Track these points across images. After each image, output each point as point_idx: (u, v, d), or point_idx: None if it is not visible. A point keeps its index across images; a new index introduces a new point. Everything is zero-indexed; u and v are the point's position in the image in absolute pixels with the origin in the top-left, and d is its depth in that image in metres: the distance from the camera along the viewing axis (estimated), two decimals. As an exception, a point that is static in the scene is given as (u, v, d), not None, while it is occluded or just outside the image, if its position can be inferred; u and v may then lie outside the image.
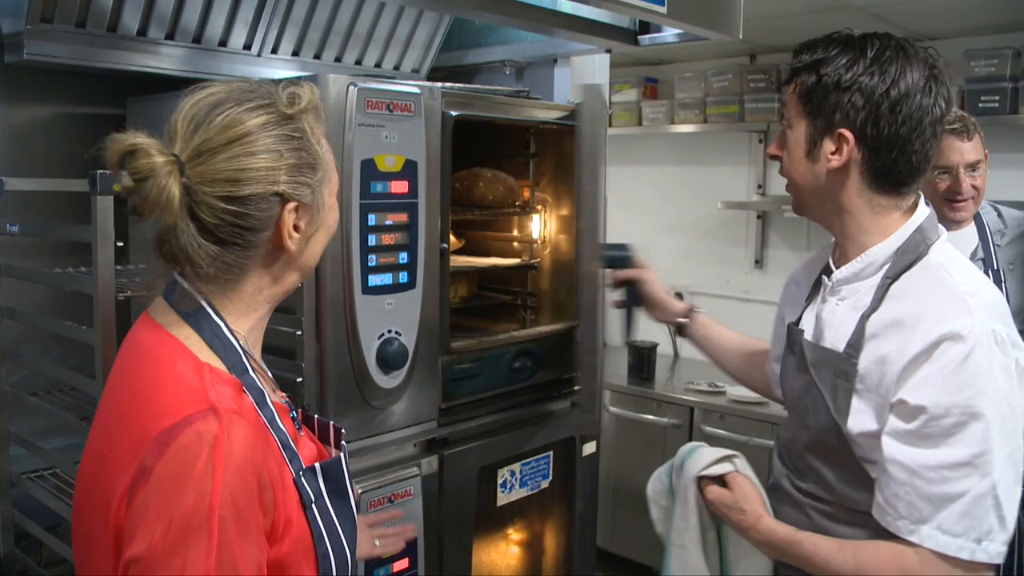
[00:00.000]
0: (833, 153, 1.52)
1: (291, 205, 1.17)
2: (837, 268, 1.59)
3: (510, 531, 2.82)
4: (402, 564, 2.17)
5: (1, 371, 2.15)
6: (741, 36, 2.42)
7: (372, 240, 2.09)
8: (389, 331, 2.15)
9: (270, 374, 1.33)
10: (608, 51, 2.83)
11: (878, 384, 1.44)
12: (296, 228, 1.19)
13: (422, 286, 2.22)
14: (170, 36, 2.40)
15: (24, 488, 2.16)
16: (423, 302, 2.23)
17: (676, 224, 4.58)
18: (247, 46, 2.54)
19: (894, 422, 1.40)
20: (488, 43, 3.04)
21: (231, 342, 1.17)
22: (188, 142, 1.13)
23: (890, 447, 1.40)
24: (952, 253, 1.53)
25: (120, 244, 1.71)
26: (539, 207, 2.87)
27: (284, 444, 1.17)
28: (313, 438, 1.36)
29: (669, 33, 2.60)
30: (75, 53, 2.27)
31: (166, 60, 2.44)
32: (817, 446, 1.55)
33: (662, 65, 5.10)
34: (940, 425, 1.35)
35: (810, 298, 1.70)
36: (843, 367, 1.48)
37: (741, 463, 1.73)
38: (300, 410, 1.36)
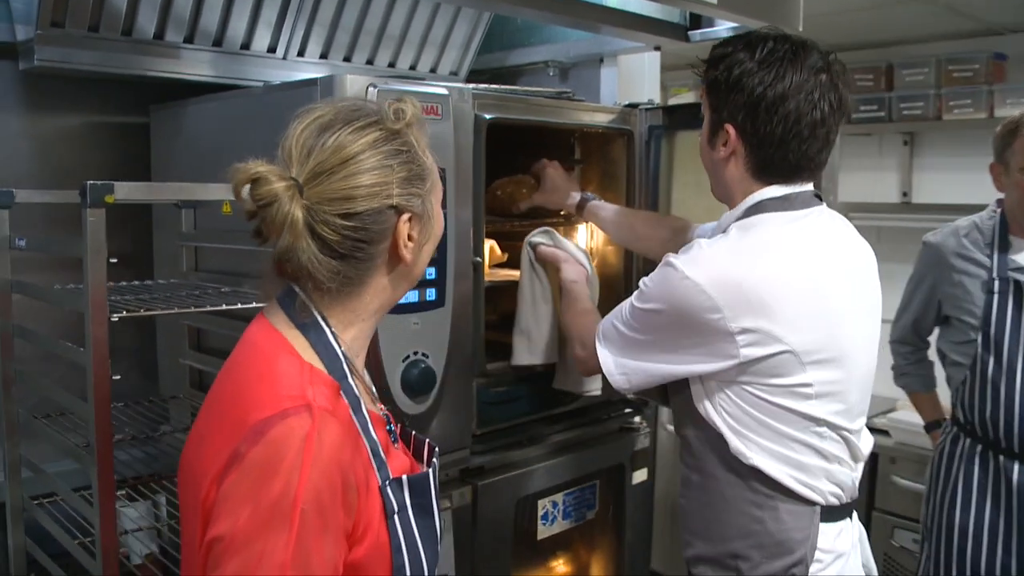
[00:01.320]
0: (723, 145, 1.67)
1: (405, 216, 1.22)
2: None
3: (552, 565, 2.63)
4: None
5: (10, 393, 2.04)
6: (801, 28, 2.20)
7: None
8: (415, 353, 1.99)
9: (371, 385, 1.37)
10: (657, 48, 2.64)
11: None
12: (410, 238, 1.24)
13: (452, 304, 2.05)
14: (189, 39, 2.28)
15: (32, 514, 2.05)
16: (453, 321, 2.06)
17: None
18: (271, 48, 2.42)
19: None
20: (530, 43, 2.88)
21: (334, 347, 1.21)
22: (304, 165, 1.18)
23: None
24: (717, 235, 1.70)
25: (114, 260, 1.56)
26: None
27: (374, 451, 1.19)
28: (407, 453, 1.37)
29: (722, 27, 2.40)
30: (90, 59, 2.18)
31: (187, 64, 2.32)
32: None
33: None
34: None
35: None
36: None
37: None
38: (399, 425, 1.39)
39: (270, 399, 1.11)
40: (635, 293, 1.71)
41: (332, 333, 1.22)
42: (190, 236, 2.31)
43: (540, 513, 2.37)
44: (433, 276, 2.00)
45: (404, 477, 1.22)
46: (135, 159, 2.50)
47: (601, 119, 2.51)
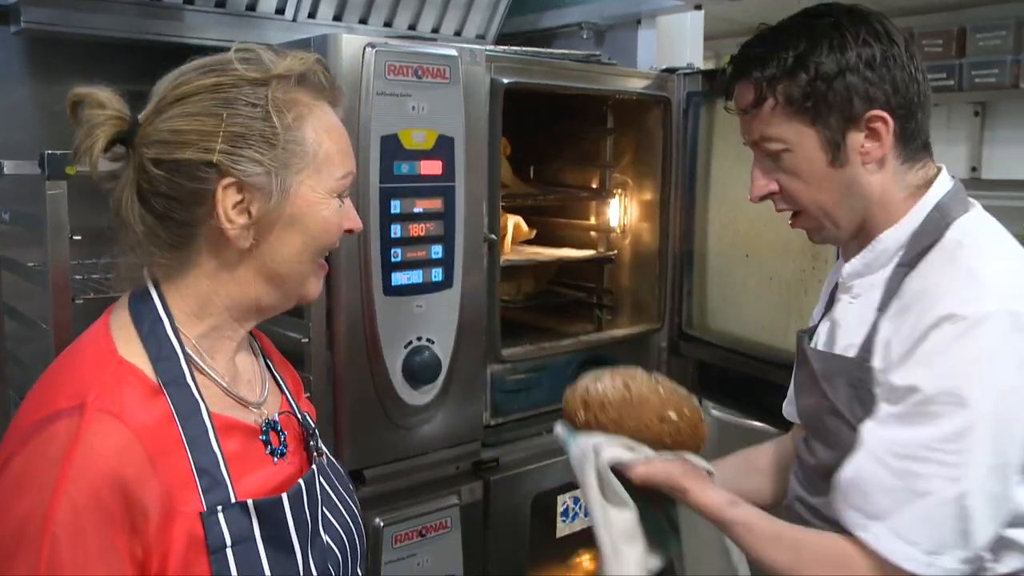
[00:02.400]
0: (867, 143, 1.28)
1: (226, 180, 1.02)
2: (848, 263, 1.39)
3: (574, 565, 2.46)
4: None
5: (3, 374, 1.95)
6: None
7: (396, 231, 1.77)
8: (419, 338, 1.84)
9: (261, 388, 1.18)
10: (698, 7, 2.43)
11: (881, 374, 1.25)
12: (237, 211, 1.03)
13: (461, 284, 1.89)
14: (191, 0, 2.14)
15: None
16: (463, 303, 1.90)
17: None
18: (279, 10, 2.26)
19: (880, 408, 1.24)
20: (563, 3, 2.68)
21: (170, 343, 1.04)
22: (150, 105, 1.06)
23: (865, 430, 1.23)
24: (979, 226, 1.30)
25: (77, 238, 1.43)
26: (617, 191, 2.50)
27: (203, 469, 1.00)
28: (306, 466, 1.18)
29: (769, -17, 2.17)
30: (84, 22, 2.05)
31: (190, 28, 2.18)
32: None
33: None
34: (921, 410, 1.17)
35: (827, 305, 1.48)
36: (857, 374, 1.28)
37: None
38: (305, 434, 1.21)
39: (50, 398, 0.98)
40: (893, 416, 1.21)
41: (172, 327, 1.05)
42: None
43: (560, 510, 2.21)
44: (440, 255, 1.85)
45: (249, 502, 1.01)
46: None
47: (634, 85, 2.32)
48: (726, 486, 1.41)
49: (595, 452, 1.35)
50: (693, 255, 2.42)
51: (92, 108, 1.03)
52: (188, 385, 1.03)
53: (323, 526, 1.14)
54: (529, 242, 2.58)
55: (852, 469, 1.22)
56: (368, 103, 1.71)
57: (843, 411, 1.29)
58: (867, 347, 1.27)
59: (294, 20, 2.30)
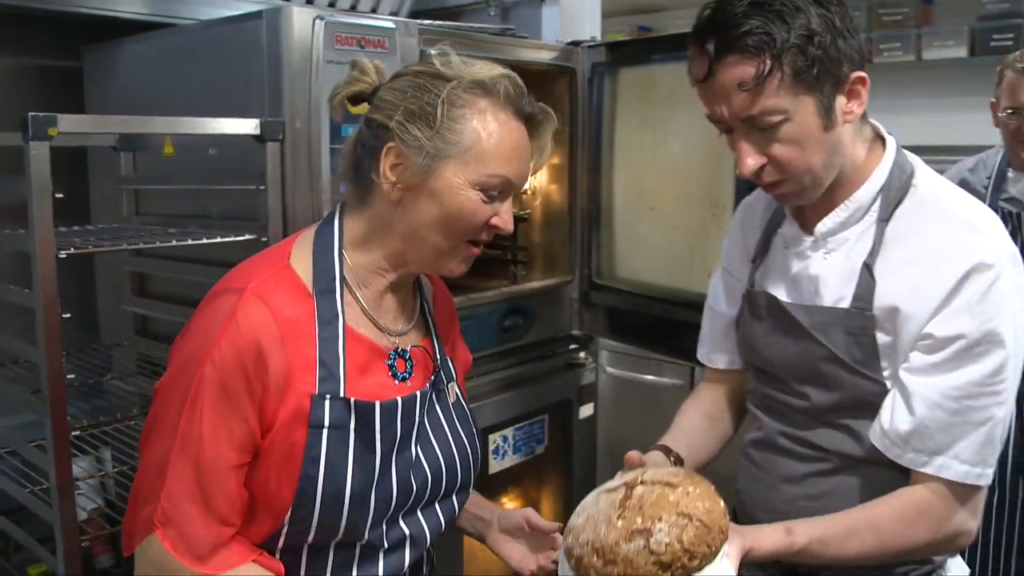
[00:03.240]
0: (849, 104, 1.34)
1: (391, 144, 1.24)
2: (810, 221, 1.46)
3: (504, 500, 2.67)
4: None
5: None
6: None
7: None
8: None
9: (403, 319, 1.39)
10: (599, -15, 2.64)
11: (904, 323, 1.36)
12: (392, 170, 1.25)
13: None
14: (121, -26, 2.21)
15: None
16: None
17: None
18: (209, -14, 2.35)
19: (916, 357, 1.35)
20: (471, -19, 2.85)
21: (333, 261, 1.29)
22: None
23: (912, 382, 1.35)
24: (933, 178, 1.43)
25: (59, 196, 1.52)
26: (528, 155, 2.69)
27: (324, 362, 1.23)
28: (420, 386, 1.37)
29: (663, -37, 2.41)
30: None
31: (118, 3, 2.24)
32: (852, 404, 1.42)
33: (656, 13, 4.91)
34: (967, 355, 1.31)
35: (762, 257, 1.57)
36: (857, 322, 1.39)
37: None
38: (435, 369, 1.40)
39: (230, 279, 1.27)
40: (939, 366, 1.32)
41: (340, 251, 1.30)
42: (131, 179, 2.25)
43: (491, 448, 2.39)
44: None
45: (352, 400, 1.23)
46: (67, 104, 2.41)
47: (544, 56, 2.51)
48: (694, 449, 1.58)
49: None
50: (600, 211, 2.62)
51: (354, 69, 1.32)
52: (335, 298, 1.27)
53: (419, 443, 1.34)
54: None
55: (908, 420, 1.33)
56: (318, 71, 1.84)
57: (842, 356, 1.39)
58: (864, 297, 1.37)
59: (223, -5, 2.39)
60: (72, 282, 2.43)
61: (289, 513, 1.23)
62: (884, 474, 1.39)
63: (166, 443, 1.19)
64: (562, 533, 1.31)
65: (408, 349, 1.37)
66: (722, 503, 1.25)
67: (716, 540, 1.19)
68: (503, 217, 1.30)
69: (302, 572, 1.30)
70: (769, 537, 1.32)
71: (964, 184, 2.63)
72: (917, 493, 1.35)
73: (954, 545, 1.40)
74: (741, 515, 1.62)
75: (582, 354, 2.70)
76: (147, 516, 1.19)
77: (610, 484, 1.29)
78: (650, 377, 3.98)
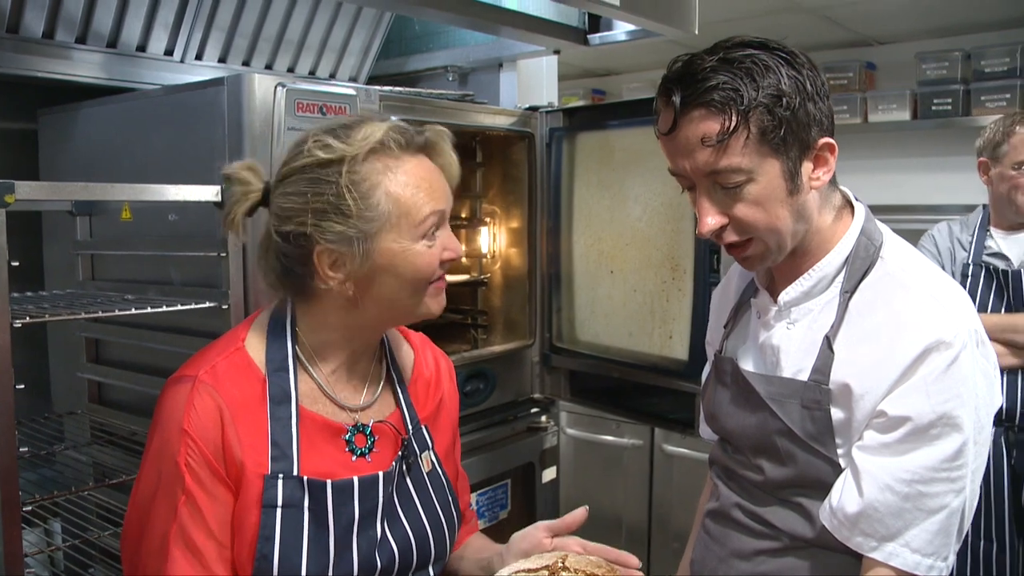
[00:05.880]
0: (816, 170, 1.30)
1: (319, 248, 1.22)
2: (778, 290, 1.42)
3: (467, 566, 2.63)
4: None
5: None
6: (697, 31, 2.29)
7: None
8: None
9: (362, 396, 1.37)
10: (556, 52, 2.69)
11: (858, 400, 1.31)
12: (334, 269, 1.23)
13: (363, 304, 2.03)
14: (81, 40, 2.20)
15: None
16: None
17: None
18: (168, 51, 2.36)
19: (869, 436, 1.30)
20: (429, 48, 2.89)
21: (286, 344, 1.28)
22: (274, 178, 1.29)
23: (863, 461, 1.29)
24: (905, 250, 1.39)
25: (15, 264, 1.50)
26: (487, 219, 2.71)
27: (276, 443, 1.24)
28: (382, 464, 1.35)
29: (620, 31, 2.48)
30: (-30, 58, 2.07)
31: (78, 66, 2.24)
32: (804, 482, 1.38)
33: (609, 77, 5.00)
34: (920, 436, 1.25)
35: (733, 322, 1.54)
36: (813, 396, 1.34)
37: None
38: (402, 445, 1.36)
39: (188, 365, 1.28)
40: (891, 447, 1.28)
41: (292, 332, 1.29)
42: (87, 244, 2.21)
43: (459, 514, 2.36)
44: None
45: (304, 478, 1.23)
46: (21, 166, 2.39)
47: (503, 122, 2.54)
48: None
49: None
50: (560, 275, 2.64)
51: (234, 184, 1.28)
52: (287, 377, 1.27)
53: (386, 520, 1.31)
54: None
55: (856, 502, 1.28)
56: (280, 137, 1.84)
57: (796, 430, 1.34)
58: (822, 370, 1.33)
59: (182, 61, 2.39)
60: (24, 349, 2.38)
61: None
62: (836, 560, 1.35)
63: (161, 531, 1.21)
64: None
65: (369, 424, 1.35)
66: None
67: None
68: (451, 247, 1.31)
69: None
70: None
71: (952, 234, 2.74)
72: None
73: None
74: None
75: (543, 417, 2.69)
76: None
77: (528, 564, 1.27)
78: (610, 438, 3.99)
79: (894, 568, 1.26)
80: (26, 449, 1.53)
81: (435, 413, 1.47)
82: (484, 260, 2.74)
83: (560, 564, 1.23)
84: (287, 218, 1.23)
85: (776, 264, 1.37)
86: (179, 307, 1.76)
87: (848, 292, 1.35)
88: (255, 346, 1.29)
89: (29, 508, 1.73)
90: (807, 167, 1.29)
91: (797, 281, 1.39)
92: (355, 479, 1.28)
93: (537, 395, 2.70)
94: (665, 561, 4.04)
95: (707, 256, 2.29)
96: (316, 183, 1.22)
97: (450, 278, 2.68)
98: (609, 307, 2.55)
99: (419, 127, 1.30)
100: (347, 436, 1.32)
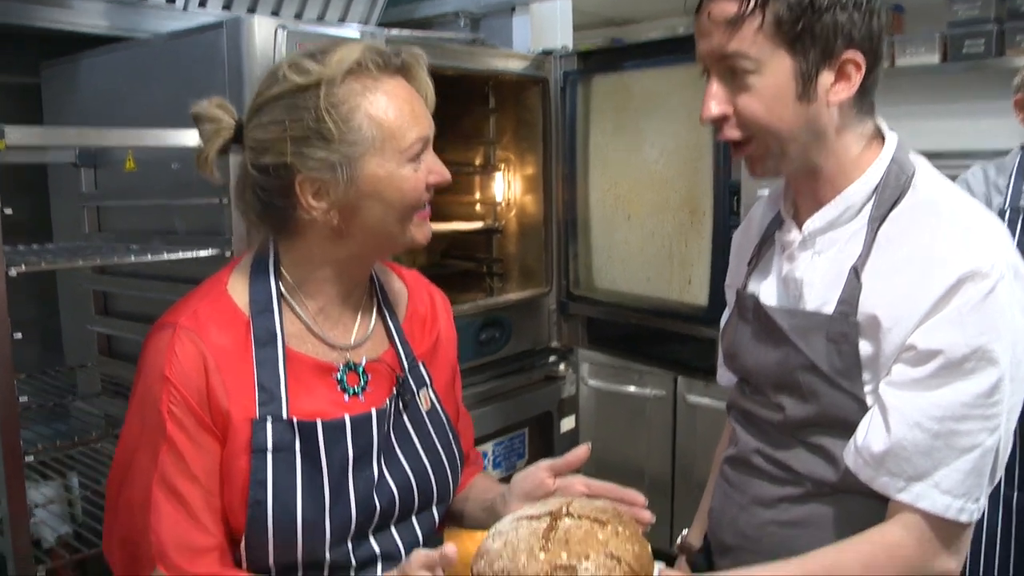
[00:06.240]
0: (836, 84, 1.24)
1: (301, 176, 1.18)
2: (803, 220, 1.36)
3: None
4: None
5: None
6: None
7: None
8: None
9: (353, 334, 1.32)
10: (569, -7, 2.61)
11: (887, 333, 1.24)
12: (317, 198, 1.19)
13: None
14: (81, -12, 2.16)
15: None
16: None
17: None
18: (170, -1, 2.30)
19: (899, 370, 1.23)
20: (440, -9, 2.82)
21: (269, 282, 1.25)
22: (247, 112, 1.23)
23: (891, 397, 1.23)
24: (939, 180, 1.32)
25: (8, 211, 1.47)
26: (501, 165, 2.66)
27: (263, 386, 1.20)
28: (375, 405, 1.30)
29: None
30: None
31: (82, 15, 2.20)
32: (828, 421, 1.32)
33: (628, 25, 4.90)
34: (953, 371, 1.18)
35: (757, 258, 1.48)
36: (839, 328, 1.28)
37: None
38: (397, 383, 1.32)
39: (171, 311, 1.24)
40: (921, 382, 1.21)
41: (276, 270, 1.26)
42: (92, 196, 2.19)
43: (471, 466, 2.34)
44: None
45: (294, 420, 1.20)
46: (26, 121, 2.35)
47: (515, 66, 2.47)
48: None
49: None
50: (576, 221, 2.59)
51: (203, 123, 1.23)
52: (272, 318, 1.23)
53: (384, 460, 1.28)
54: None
55: (883, 440, 1.22)
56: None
57: (821, 366, 1.29)
58: (849, 302, 1.27)
59: (185, 9, 2.34)
60: (34, 303, 2.39)
61: (244, 539, 1.19)
62: (861, 505, 1.29)
63: (144, 482, 1.18)
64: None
65: (362, 363, 1.31)
66: (649, 548, 1.16)
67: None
68: (436, 171, 1.25)
69: None
70: None
71: (987, 177, 2.63)
72: (889, 533, 1.23)
73: None
74: (711, 538, 1.55)
75: (562, 366, 2.65)
76: (143, 555, 1.18)
77: (531, 511, 1.19)
78: (632, 388, 3.95)
79: (922, 511, 1.19)
80: (26, 399, 1.51)
81: (432, 350, 1.42)
82: (499, 207, 2.69)
83: (564, 510, 1.18)
84: (264, 150, 1.18)
85: (782, 171, 1.32)
86: (181, 255, 1.73)
87: (877, 221, 1.29)
88: (238, 289, 1.25)
89: (32, 458, 1.71)
90: (826, 77, 1.23)
91: (823, 209, 1.33)
92: (347, 417, 1.24)
93: (555, 344, 2.67)
94: (689, 512, 3.99)
95: (726, 198, 2.23)
96: (293, 110, 1.16)
97: (464, 226, 2.67)
98: (626, 253, 2.50)
99: (395, 48, 1.24)
100: (338, 375, 1.28)
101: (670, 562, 1.57)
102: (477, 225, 2.68)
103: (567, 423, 2.65)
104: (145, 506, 1.16)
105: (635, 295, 2.47)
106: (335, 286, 1.28)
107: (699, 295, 2.32)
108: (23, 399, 1.49)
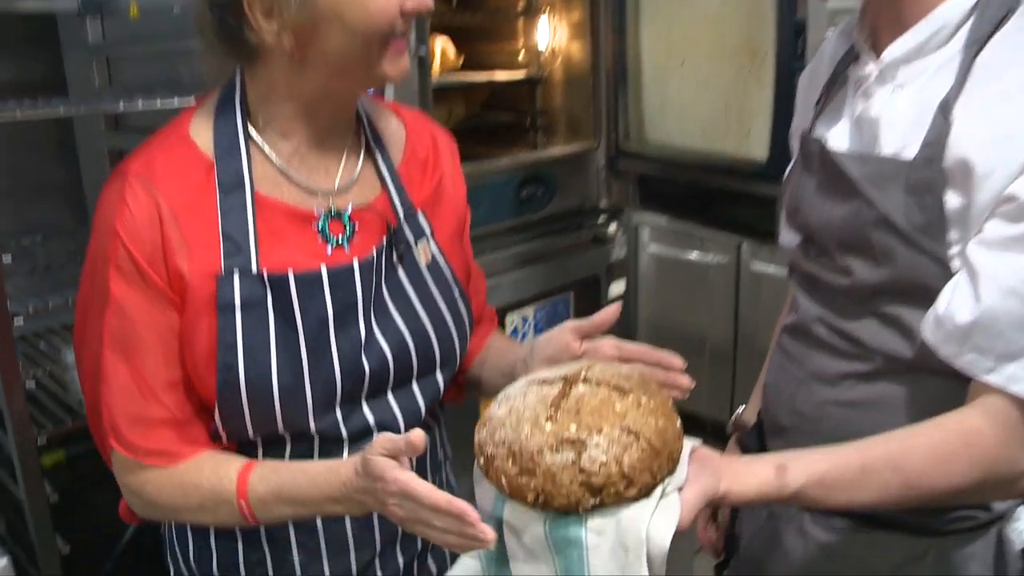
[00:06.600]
0: None
1: None
2: (882, 48, 1.15)
3: (526, 385, 2.52)
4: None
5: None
6: None
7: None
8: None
9: (336, 179, 1.17)
10: None
11: (981, 181, 1.04)
12: (266, 18, 1.03)
13: (389, 104, 1.85)
14: None
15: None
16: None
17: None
18: None
19: (993, 227, 1.03)
20: None
21: (235, 121, 1.11)
22: None
23: (982, 259, 1.03)
24: None
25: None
26: (545, 9, 2.45)
27: (229, 236, 1.07)
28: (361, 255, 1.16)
29: None
30: None
31: None
32: (904, 287, 1.14)
33: None
34: None
35: (826, 99, 1.29)
36: (921, 176, 1.09)
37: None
38: (389, 232, 1.17)
39: (123, 162, 1.10)
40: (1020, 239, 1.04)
41: (243, 107, 1.11)
42: (99, 48, 2.10)
43: (509, 328, 2.23)
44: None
45: (264, 272, 1.07)
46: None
47: None
48: None
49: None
50: (626, 70, 2.39)
51: None
52: (239, 161, 1.09)
53: (375, 316, 1.15)
54: (457, 71, 2.53)
55: (971, 309, 1.04)
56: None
57: (897, 221, 1.12)
58: (934, 145, 1.09)
59: None
60: (57, 163, 2.35)
61: (217, 409, 1.09)
62: (938, 387, 1.12)
63: (95, 349, 1.09)
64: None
65: (347, 210, 1.17)
66: (678, 423, 0.98)
67: (663, 468, 0.94)
68: None
69: None
70: (754, 477, 1.01)
71: None
72: (968, 420, 1.04)
73: (1017, 490, 1.06)
74: (764, 417, 1.40)
75: (611, 227, 2.50)
76: (104, 427, 1.10)
77: (546, 374, 1.03)
78: (694, 255, 3.78)
79: (1012, 395, 1.01)
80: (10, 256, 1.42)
81: (433, 197, 1.25)
82: (542, 56, 2.50)
83: (582, 375, 1.03)
84: None
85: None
86: (190, 100, 1.61)
87: (975, 46, 1.08)
88: (201, 130, 1.11)
89: (21, 321, 1.62)
90: None
91: (907, 33, 1.12)
92: (323, 267, 1.11)
93: (603, 203, 2.50)
94: (751, 387, 3.88)
95: (790, 38, 2.00)
96: None
97: (505, 75, 2.48)
98: (680, 104, 2.30)
99: None
100: (318, 224, 1.14)
101: (724, 442, 1.43)
102: (519, 74, 2.49)
103: (616, 288, 2.52)
104: (97, 375, 1.08)
105: (690, 150, 2.30)
106: (307, 125, 1.13)
107: (758, 149, 2.13)
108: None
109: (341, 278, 1.11)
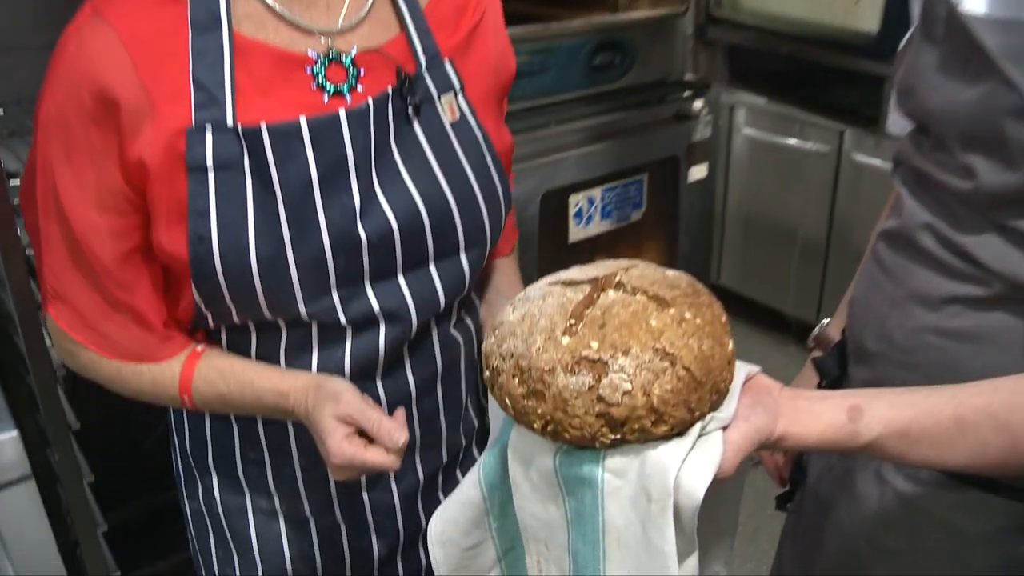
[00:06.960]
0: None
1: None
2: None
3: (590, 273, 2.37)
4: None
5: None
6: None
7: None
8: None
9: (340, 16, 0.99)
10: None
11: None
12: None
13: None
14: None
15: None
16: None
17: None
18: None
19: None
20: None
21: None
22: None
23: None
24: None
25: None
26: None
27: (201, 84, 0.94)
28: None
29: None
30: None
31: None
32: None
33: None
34: None
35: None
36: None
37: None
38: (401, 81, 0.99)
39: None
40: None
41: None
42: None
43: (573, 211, 2.07)
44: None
45: (239, 127, 0.94)
46: None
47: None
48: None
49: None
50: (723, -79, 2.15)
51: None
52: None
53: (378, 179, 0.99)
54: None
55: None
56: None
57: None
58: None
59: None
60: None
61: (194, 289, 0.97)
62: None
63: (34, 209, 1.00)
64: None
65: (351, 52, 0.99)
66: (730, 346, 0.80)
67: (704, 402, 0.76)
68: None
69: (252, 356, 1.04)
70: (819, 419, 0.84)
71: None
72: None
73: None
74: (848, 338, 1.19)
75: (696, 104, 2.28)
76: (43, 289, 1.02)
77: (575, 274, 0.86)
78: (792, 141, 3.53)
79: None
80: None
81: (466, 44, 1.05)
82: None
83: (616, 278, 0.84)
84: None
85: None
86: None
87: None
88: None
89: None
90: None
91: None
92: (302, 119, 0.95)
93: (689, 76, 2.29)
94: (844, 283, 3.66)
95: None
96: None
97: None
98: (782, -37, 2.06)
99: None
100: (313, 69, 0.98)
101: (806, 352, 1.23)
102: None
103: (697, 171, 2.33)
104: (36, 237, 0.99)
105: (789, 19, 2.09)
106: None
107: (868, 19, 1.94)
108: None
109: (325, 130, 0.94)
